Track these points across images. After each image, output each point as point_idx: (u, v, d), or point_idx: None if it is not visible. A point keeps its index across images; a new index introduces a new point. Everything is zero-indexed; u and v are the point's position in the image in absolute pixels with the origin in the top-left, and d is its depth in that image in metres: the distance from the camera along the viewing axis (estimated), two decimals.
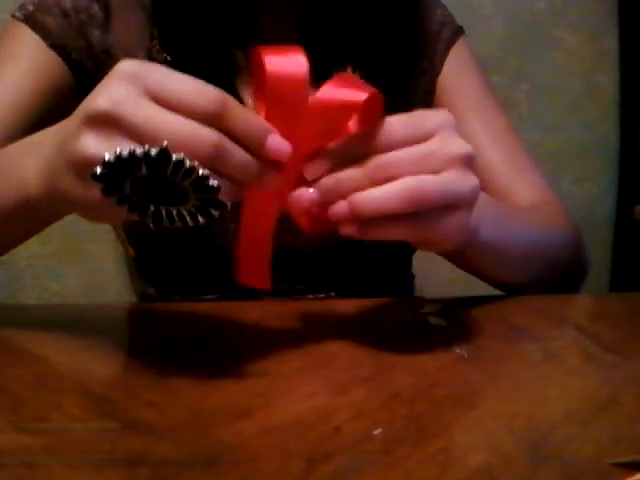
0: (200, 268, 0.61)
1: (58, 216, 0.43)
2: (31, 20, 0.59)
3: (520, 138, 0.68)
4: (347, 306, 0.52)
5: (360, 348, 0.44)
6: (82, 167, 0.34)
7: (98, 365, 0.42)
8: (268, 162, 0.35)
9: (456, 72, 0.68)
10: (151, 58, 0.60)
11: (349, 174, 0.37)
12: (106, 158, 0.32)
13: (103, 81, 0.35)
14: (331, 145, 0.38)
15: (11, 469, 0.30)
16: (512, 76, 1.23)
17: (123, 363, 0.43)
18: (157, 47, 0.60)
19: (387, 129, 0.37)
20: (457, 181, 0.38)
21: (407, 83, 0.67)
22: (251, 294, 0.60)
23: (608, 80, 1.26)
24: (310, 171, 0.38)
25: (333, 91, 0.37)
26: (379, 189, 0.36)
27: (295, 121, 0.36)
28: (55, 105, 0.59)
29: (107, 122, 0.33)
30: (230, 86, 0.60)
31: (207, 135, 0.33)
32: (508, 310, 0.51)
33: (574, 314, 0.55)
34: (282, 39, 0.63)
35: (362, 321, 0.50)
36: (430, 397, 0.37)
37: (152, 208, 0.34)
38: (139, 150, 0.32)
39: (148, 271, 0.68)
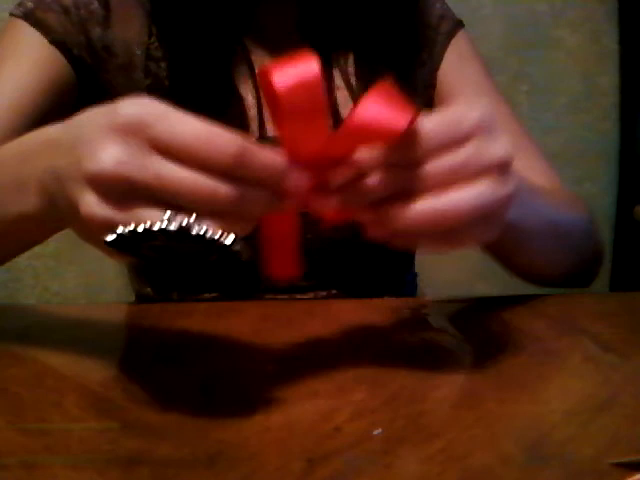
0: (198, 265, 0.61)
1: (60, 229, 0.41)
2: (31, 17, 0.58)
3: (525, 127, 0.68)
4: (347, 306, 0.52)
5: (360, 348, 0.44)
6: (89, 223, 0.32)
7: (98, 365, 0.42)
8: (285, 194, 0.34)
9: (457, 64, 0.68)
10: (149, 55, 0.60)
11: (377, 186, 0.35)
12: (119, 231, 0.30)
13: (102, 123, 0.32)
14: (360, 154, 0.35)
15: (11, 469, 0.30)
16: (512, 76, 1.23)
17: (123, 363, 0.43)
18: (155, 44, 0.60)
19: (421, 138, 0.34)
20: (492, 193, 0.35)
21: (408, 75, 0.66)
22: (251, 293, 0.60)
23: (608, 80, 1.26)
24: (336, 180, 0.35)
25: (373, 109, 0.34)
26: (410, 208, 0.34)
27: (317, 130, 0.34)
28: (57, 102, 0.58)
29: (114, 184, 0.31)
30: (229, 83, 0.60)
31: (224, 192, 0.31)
32: (508, 310, 0.51)
33: (574, 314, 0.55)
34: (282, 35, 0.64)
35: (362, 321, 0.50)
36: (430, 397, 0.37)
37: (167, 259, 0.34)
38: (156, 227, 0.30)
39: (144, 268, 0.67)
